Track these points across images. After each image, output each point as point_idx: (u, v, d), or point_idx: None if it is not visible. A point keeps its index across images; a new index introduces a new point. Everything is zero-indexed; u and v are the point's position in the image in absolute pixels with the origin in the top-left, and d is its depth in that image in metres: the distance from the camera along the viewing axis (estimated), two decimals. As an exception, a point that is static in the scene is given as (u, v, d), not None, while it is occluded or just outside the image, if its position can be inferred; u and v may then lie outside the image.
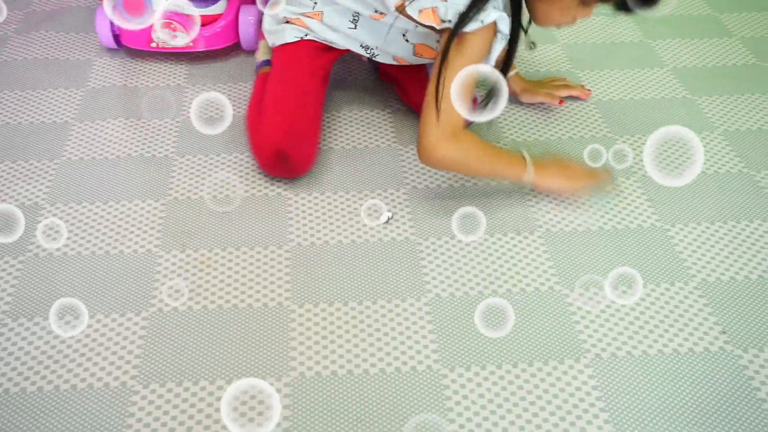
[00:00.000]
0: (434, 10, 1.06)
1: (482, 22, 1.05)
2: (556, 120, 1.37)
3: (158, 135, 1.33)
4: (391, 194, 1.21)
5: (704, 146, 1.32)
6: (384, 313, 1.02)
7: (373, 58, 1.29)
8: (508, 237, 1.14)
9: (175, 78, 1.47)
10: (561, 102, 1.38)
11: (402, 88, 1.38)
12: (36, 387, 0.92)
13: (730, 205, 1.20)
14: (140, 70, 1.49)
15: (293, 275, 1.07)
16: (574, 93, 1.40)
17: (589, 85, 1.46)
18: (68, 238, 1.12)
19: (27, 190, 1.20)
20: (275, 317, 1.01)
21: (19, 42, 1.54)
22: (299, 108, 1.22)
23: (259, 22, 1.48)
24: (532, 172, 1.15)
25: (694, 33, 1.64)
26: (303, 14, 1.27)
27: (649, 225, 1.17)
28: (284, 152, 1.18)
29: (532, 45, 1.26)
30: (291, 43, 1.28)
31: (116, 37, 1.50)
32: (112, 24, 1.48)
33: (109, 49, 1.52)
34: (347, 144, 1.31)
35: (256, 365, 0.95)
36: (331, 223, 1.16)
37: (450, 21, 1.06)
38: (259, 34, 1.46)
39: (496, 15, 1.05)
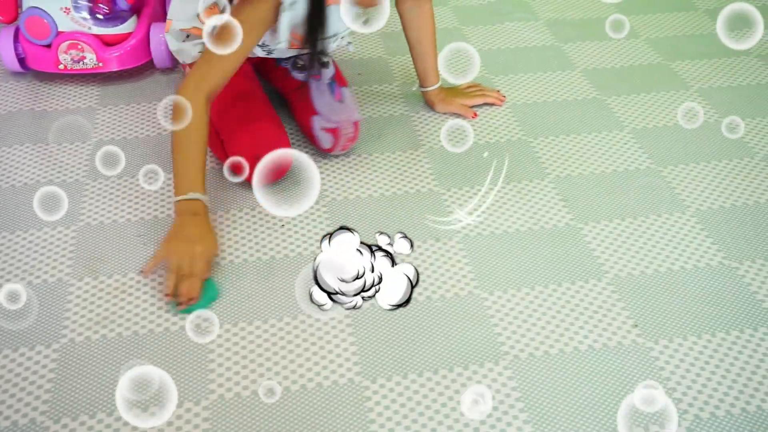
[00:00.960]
0: None
1: None
2: (472, 124, 1.40)
3: (69, 160, 1.29)
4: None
5: (613, 145, 1.36)
6: (304, 328, 1.01)
7: (270, 55, 1.25)
8: (428, 244, 1.15)
9: (86, 100, 1.43)
10: (474, 115, 1.40)
11: (293, 107, 1.36)
12: (-62, 431, 0.88)
13: (638, 201, 1.24)
14: (49, 93, 1.44)
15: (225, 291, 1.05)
16: (489, 100, 1.43)
17: (503, 89, 1.49)
18: (-28, 272, 1.07)
19: (-73, 224, 1.15)
20: (190, 340, 0.99)
21: None
22: (254, 110, 1.21)
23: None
24: (180, 201, 1.07)
25: (602, 35, 1.69)
26: (193, 18, 1.25)
27: (564, 225, 1.19)
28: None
29: (365, 22, 1.22)
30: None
31: (21, 60, 1.45)
32: (16, 47, 1.43)
33: (15, 73, 1.47)
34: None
35: (177, 389, 0.93)
36: (251, 240, 1.14)
37: None
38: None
39: None
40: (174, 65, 1.49)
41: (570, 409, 0.93)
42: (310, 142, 1.31)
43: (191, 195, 1.07)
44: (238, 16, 0.98)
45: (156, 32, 1.45)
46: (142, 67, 1.49)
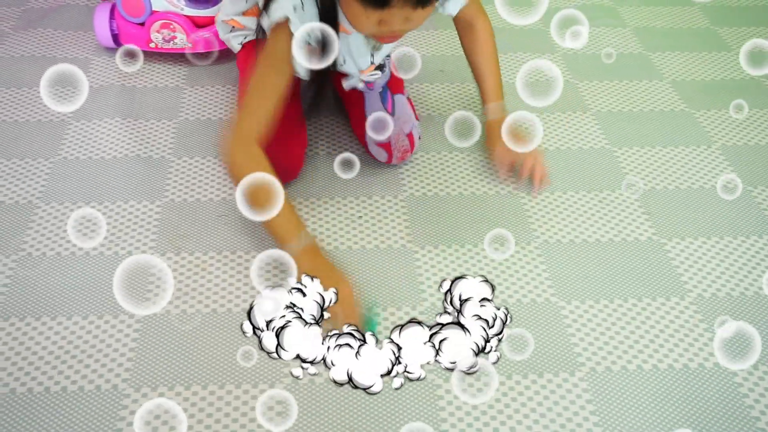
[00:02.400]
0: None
1: (270, 18, 0.98)
2: (553, 128, 1.37)
3: (155, 136, 1.32)
4: (388, 200, 1.21)
5: (701, 161, 1.32)
6: (394, 321, 1.02)
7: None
8: (504, 246, 1.14)
9: (173, 79, 1.46)
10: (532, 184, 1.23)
11: (349, 113, 1.32)
12: (26, 388, 0.91)
13: (726, 221, 1.20)
14: (138, 70, 1.48)
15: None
16: (535, 176, 1.23)
17: (587, 95, 1.46)
18: (62, 238, 1.11)
19: (22, 189, 1.19)
20: (269, 323, 1.00)
21: (16, 39, 1.53)
22: (271, 115, 1.09)
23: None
24: (297, 249, 1.00)
25: (692, 46, 1.64)
26: (239, 13, 1.23)
27: (646, 239, 1.16)
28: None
29: (375, 46, 1.12)
30: (241, 50, 1.27)
31: (115, 37, 1.49)
32: (110, 23, 1.47)
33: (107, 49, 1.51)
34: (333, 149, 1.31)
35: (251, 370, 0.95)
36: (327, 229, 1.15)
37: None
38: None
39: (284, 12, 0.97)
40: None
41: (646, 428, 0.90)
42: (366, 152, 1.27)
43: (301, 241, 1.01)
44: (263, 58, 0.99)
45: (245, 17, 1.47)
46: (228, 50, 1.51)
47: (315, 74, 1.07)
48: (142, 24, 1.45)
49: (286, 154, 1.17)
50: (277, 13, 0.98)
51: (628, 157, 1.32)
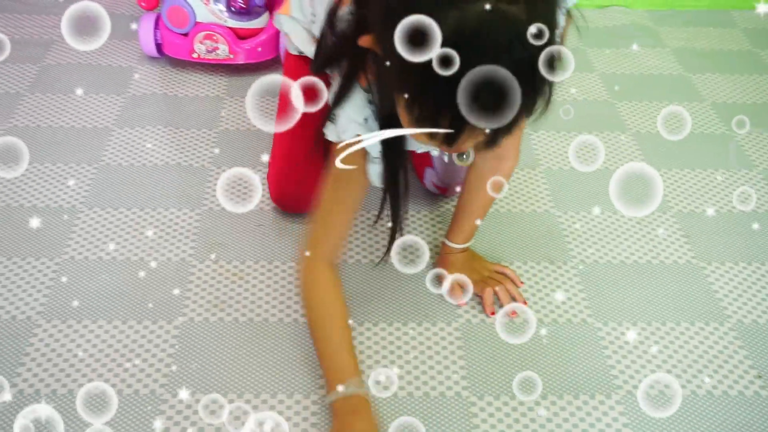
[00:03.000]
0: None
1: (338, 135, 0.86)
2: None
3: (196, 145, 1.34)
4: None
5: (742, 184, 1.31)
6: (414, 336, 1.02)
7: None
8: (541, 266, 1.13)
9: (214, 89, 1.49)
10: (492, 313, 1.05)
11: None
12: (67, 390, 0.93)
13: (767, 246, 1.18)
14: (180, 79, 1.51)
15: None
16: (504, 294, 1.06)
17: (625, 116, 1.45)
18: (104, 243, 1.13)
19: (65, 193, 1.22)
20: (304, 332, 1.01)
21: (63, 46, 1.57)
22: (295, 147, 1.06)
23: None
24: (336, 401, 0.87)
25: (733, 68, 1.63)
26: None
27: (685, 262, 1.15)
28: (282, 205, 1.16)
29: (464, 158, 0.92)
30: (291, 58, 1.17)
31: (158, 46, 1.52)
32: (155, 33, 1.50)
33: (151, 58, 1.54)
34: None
35: (286, 380, 0.95)
36: (363, 242, 1.16)
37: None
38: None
39: (351, 130, 0.83)
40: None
41: (684, 455, 0.89)
42: (418, 179, 1.23)
43: (344, 390, 0.87)
44: (333, 166, 0.88)
45: (286, 29, 1.49)
46: (268, 62, 1.53)
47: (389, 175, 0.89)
48: (186, 34, 1.48)
49: (297, 201, 1.14)
50: (348, 129, 0.85)
51: (667, 179, 1.31)
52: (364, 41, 0.73)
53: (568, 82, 1.53)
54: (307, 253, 0.94)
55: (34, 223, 1.16)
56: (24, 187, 1.22)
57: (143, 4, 1.50)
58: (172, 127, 1.38)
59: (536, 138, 1.39)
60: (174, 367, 0.96)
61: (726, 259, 1.16)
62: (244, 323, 1.02)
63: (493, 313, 1.05)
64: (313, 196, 0.96)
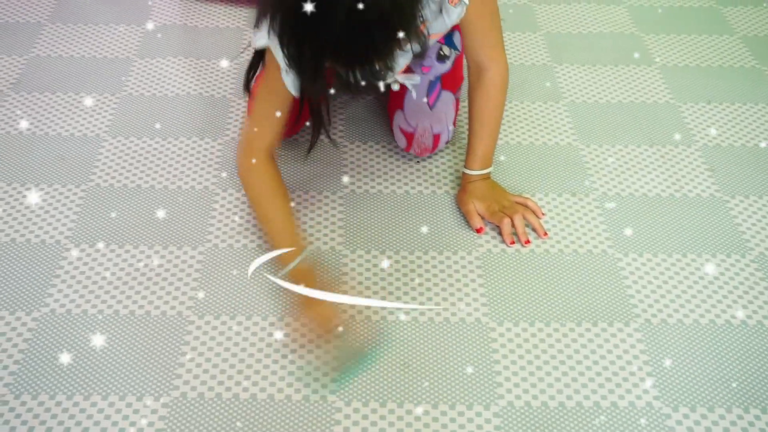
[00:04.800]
0: None
1: (256, 41, 0.94)
2: (617, 81, 1.34)
3: (217, 76, 1.33)
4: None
5: (771, 118, 1.28)
6: (435, 264, 1.03)
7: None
8: (563, 198, 1.13)
9: (234, 20, 1.47)
10: (512, 242, 1.05)
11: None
12: (97, 310, 0.95)
13: (793, 180, 1.17)
14: (200, 10, 1.49)
15: (346, 220, 1.08)
16: (529, 217, 1.07)
17: (656, 49, 1.42)
18: (128, 171, 1.14)
19: (89, 122, 1.23)
20: (325, 262, 1.02)
21: (82, -24, 1.55)
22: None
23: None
24: (288, 268, 0.95)
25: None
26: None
27: (708, 195, 1.14)
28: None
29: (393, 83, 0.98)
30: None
31: (178, -24, 1.50)
32: (174, -38, 1.48)
33: (171, -12, 1.53)
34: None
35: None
36: (385, 172, 1.16)
37: None
38: None
39: (263, 41, 0.92)
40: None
41: (699, 382, 0.90)
42: (391, 135, 1.21)
43: (293, 265, 0.95)
44: (266, 66, 0.95)
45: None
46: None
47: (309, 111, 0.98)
48: (205, -37, 1.45)
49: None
50: (259, 38, 0.95)
51: (693, 112, 1.29)
52: None
53: (593, 15, 1.49)
54: (242, 147, 1.02)
55: (60, 150, 1.17)
56: (47, 116, 1.23)
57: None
58: (194, 57, 1.37)
59: (560, 70, 1.37)
60: (201, 294, 0.98)
61: (750, 193, 1.15)
62: (269, 249, 1.04)
63: (513, 242, 1.05)
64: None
